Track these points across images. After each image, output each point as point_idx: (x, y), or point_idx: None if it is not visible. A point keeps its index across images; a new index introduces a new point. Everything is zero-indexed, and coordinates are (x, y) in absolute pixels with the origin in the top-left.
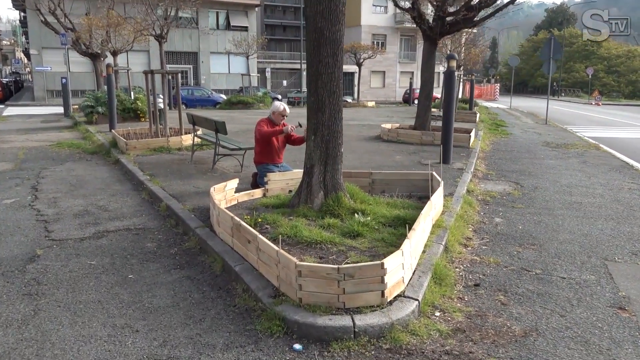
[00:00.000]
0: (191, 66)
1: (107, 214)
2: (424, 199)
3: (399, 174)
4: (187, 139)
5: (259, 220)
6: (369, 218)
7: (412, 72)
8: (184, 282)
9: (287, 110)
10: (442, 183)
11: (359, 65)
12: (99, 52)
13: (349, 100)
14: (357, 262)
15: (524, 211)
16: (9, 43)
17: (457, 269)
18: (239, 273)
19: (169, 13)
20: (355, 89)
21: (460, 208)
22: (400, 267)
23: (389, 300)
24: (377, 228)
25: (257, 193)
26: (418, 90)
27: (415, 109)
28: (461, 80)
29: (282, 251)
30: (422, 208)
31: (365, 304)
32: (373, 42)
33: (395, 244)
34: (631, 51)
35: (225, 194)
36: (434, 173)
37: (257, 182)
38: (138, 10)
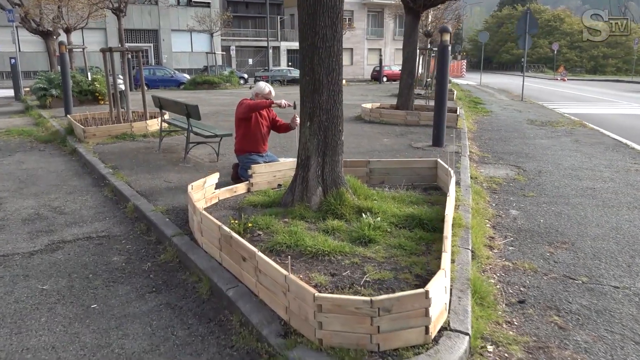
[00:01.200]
0: (152, 44)
1: (63, 218)
2: (430, 190)
3: (399, 161)
4: (153, 124)
5: (249, 225)
6: (378, 219)
7: (380, 49)
8: (163, 312)
9: (273, 92)
10: (452, 173)
11: None
12: (51, 29)
13: None
14: (379, 278)
15: (537, 200)
16: None
17: (492, 280)
18: (234, 300)
19: None
20: None
21: (471, 200)
22: (442, 291)
23: (433, 337)
24: (390, 231)
25: (241, 188)
26: (387, 68)
27: (388, 87)
28: (431, 56)
29: (293, 277)
30: (434, 202)
31: (404, 344)
32: None
33: (416, 251)
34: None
35: (204, 192)
36: (440, 160)
37: (238, 174)
38: None
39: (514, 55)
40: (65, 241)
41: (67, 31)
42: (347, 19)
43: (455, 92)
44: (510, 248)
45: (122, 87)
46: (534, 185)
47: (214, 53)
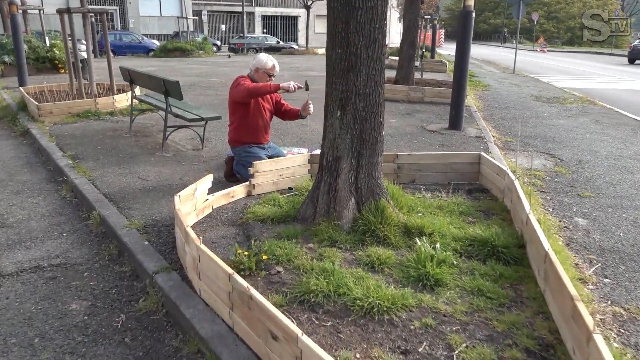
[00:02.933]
0: (117, 8)
1: (4, 233)
2: (475, 193)
3: (433, 155)
4: (122, 100)
5: (264, 257)
6: (437, 245)
7: None
8: None
9: (277, 67)
10: (511, 174)
11: (308, 8)
12: None
13: (295, 46)
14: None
15: (599, 203)
16: None
17: (616, 345)
18: None
19: None
20: (301, 34)
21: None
22: None
23: None
24: (457, 264)
25: (239, 192)
26: None
27: None
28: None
29: None
30: (486, 211)
31: None
32: None
33: (504, 300)
34: None
35: (195, 202)
36: (484, 154)
37: (233, 170)
38: None
39: (490, 25)
40: (3, 274)
41: None
42: None
43: (447, 64)
44: (605, 280)
45: (84, 54)
46: (583, 180)
47: (186, 18)
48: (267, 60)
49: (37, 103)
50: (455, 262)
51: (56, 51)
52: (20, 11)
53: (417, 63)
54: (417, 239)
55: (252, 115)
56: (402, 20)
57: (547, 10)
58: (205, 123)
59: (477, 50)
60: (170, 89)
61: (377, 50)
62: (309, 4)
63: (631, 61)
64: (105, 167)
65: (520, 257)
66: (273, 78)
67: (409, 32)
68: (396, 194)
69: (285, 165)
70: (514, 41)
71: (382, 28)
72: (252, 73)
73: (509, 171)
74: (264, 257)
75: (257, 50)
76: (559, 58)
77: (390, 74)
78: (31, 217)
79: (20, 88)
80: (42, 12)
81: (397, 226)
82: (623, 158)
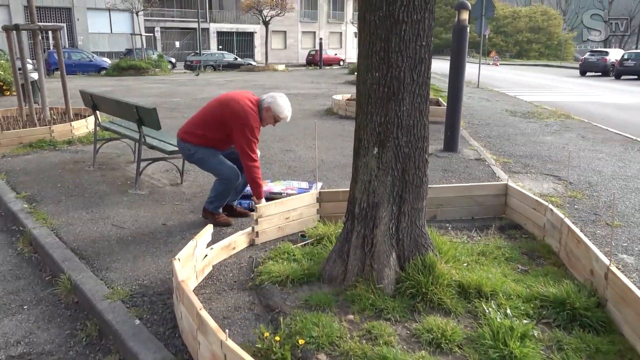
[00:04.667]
0: (64, 25)
1: None
2: (508, 230)
3: (454, 188)
4: (80, 127)
5: (300, 341)
6: (509, 311)
7: (314, 32)
8: None
9: (288, 119)
10: (558, 212)
11: (266, 24)
12: None
13: (253, 63)
14: None
15: (635, 234)
16: None
17: None
18: None
19: None
20: (257, 50)
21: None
22: None
23: None
24: (537, 335)
25: (241, 242)
26: (328, 52)
27: (332, 72)
28: None
29: None
30: (530, 254)
31: None
32: None
33: None
34: (516, 12)
35: (195, 263)
36: (511, 184)
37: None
38: None
39: (442, 39)
40: None
41: None
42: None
43: None
44: None
45: (35, 76)
46: (603, 206)
47: (140, 35)
48: (285, 109)
49: None
50: (536, 334)
51: (1, 72)
52: None
53: None
54: (478, 301)
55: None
56: (357, 35)
57: (495, 24)
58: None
59: (437, 65)
60: (144, 118)
61: (424, 72)
62: (267, 19)
63: (582, 73)
64: (69, 211)
65: (606, 321)
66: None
67: None
68: (437, 242)
69: (292, 207)
70: (471, 56)
71: (429, 45)
72: (262, 111)
73: (553, 207)
74: (300, 341)
75: (215, 68)
76: (513, 71)
77: None
78: None
79: None
80: None
81: (451, 285)
82: (630, 178)
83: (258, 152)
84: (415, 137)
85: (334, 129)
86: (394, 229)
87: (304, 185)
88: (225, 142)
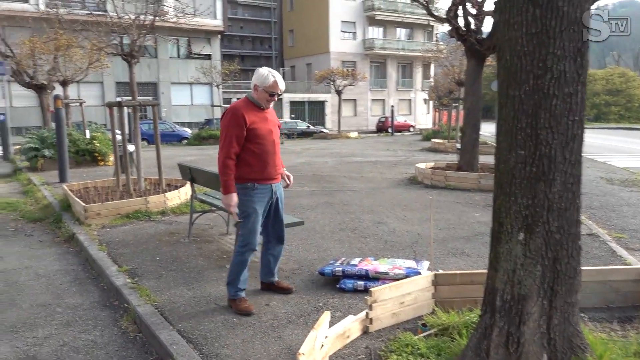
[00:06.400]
0: (150, 98)
1: None
2: None
3: (587, 272)
4: (173, 198)
5: None
6: None
7: (384, 100)
8: None
9: (282, 86)
10: None
11: (339, 92)
12: (45, 83)
13: (325, 130)
14: None
15: None
16: None
17: None
18: None
19: (143, 19)
20: (328, 118)
21: None
22: None
23: None
24: None
25: (354, 329)
26: (398, 119)
27: (406, 139)
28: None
29: None
30: None
31: None
32: (343, 70)
33: None
34: (592, 75)
35: (315, 357)
36: None
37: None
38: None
39: None
40: None
41: (64, 84)
42: (349, 70)
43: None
44: None
45: (131, 148)
46: None
47: (220, 106)
48: (268, 74)
49: (83, 204)
50: None
51: (96, 144)
52: (63, 105)
53: (458, 145)
54: None
55: (254, 145)
56: (426, 102)
57: None
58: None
59: None
60: None
61: (576, 150)
62: (340, 89)
63: None
64: (171, 287)
65: None
66: (276, 97)
67: (470, 116)
68: (590, 340)
69: (407, 291)
70: None
71: (582, 120)
72: (251, 93)
73: None
74: None
75: (288, 136)
76: (595, 135)
77: (436, 157)
78: None
79: (63, 185)
80: (83, 105)
81: None
82: None
83: (236, 147)
84: (568, 222)
85: (422, 200)
86: (544, 326)
87: (410, 264)
88: (250, 158)
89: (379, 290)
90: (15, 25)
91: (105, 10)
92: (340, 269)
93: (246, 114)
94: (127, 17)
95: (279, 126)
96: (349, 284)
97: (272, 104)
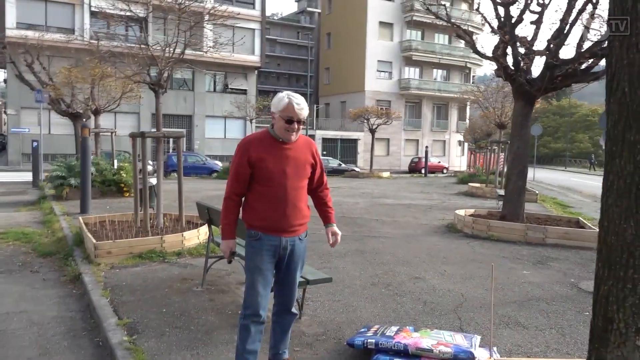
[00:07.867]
0: (184, 130)
1: None
2: None
3: None
4: (191, 238)
5: None
6: None
7: (417, 140)
8: None
9: (299, 109)
10: None
11: (373, 131)
12: (81, 111)
13: (357, 169)
14: None
15: None
16: None
17: None
18: None
19: (171, 51)
20: (360, 156)
21: None
22: None
23: None
24: None
25: None
26: (432, 160)
27: (440, 181)
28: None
29: None
30: None
31: None
32: (378, 108)
33: None
34: None
35: None
36: None
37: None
38: (130, 62)
39: (550, 149)
40: None
41: (96, 113)
42: (384, 109)
43: (537, 193)
44: None
45: (153, 181)
46: None
47: None
48: (284, 96)
49: (94, 241)
50: None
51: (123, 174)
52: (92, 134)
53: (499, 191)
54: None
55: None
56: (461, 143)
57: None
58: (306, 284)
59: (544, 175)
60: None
61: None
62: (373, 128)
63: None
64: (172, 350)
65: None
66: (298, 122)
67: (517, 161)
68: None
69: None
70: (574, 165)
71: None
72: (271, 127)
73: None
74: None
75: None
76: None
77: (473, 202)
78: None
79: (80, 218)
80: (114, 134)
81: None
82: None
83: (237, 186)
84: None
85: (463, 252)
86: None
87: (459, 339)
88: (255, 202)
89: None
90: (58, 55)
91: (147, 44)
92: (374, 340)
93: (255, 148)
94: (155, 46)
95: (313, 164)
96: None
97: (295, 135)
